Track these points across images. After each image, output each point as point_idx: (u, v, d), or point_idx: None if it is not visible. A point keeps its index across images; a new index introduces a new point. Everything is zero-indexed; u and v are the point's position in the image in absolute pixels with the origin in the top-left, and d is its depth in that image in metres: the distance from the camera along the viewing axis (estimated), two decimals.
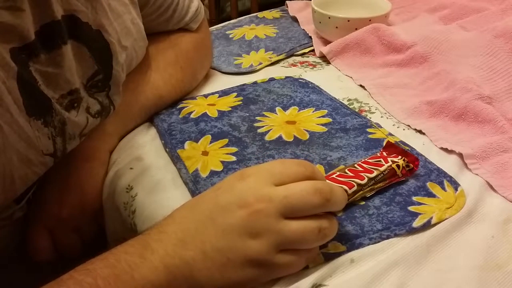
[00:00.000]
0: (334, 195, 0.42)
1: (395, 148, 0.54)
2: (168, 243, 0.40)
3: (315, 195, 0.41)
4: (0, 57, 0.42)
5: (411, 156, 0.53)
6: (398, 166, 0.51)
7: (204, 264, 0.40)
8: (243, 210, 0.40)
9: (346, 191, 0.46)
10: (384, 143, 0.57)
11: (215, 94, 0.73)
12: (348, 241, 0.46)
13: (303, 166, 0.43)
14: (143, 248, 0.40)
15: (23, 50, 0.45)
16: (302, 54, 0.87)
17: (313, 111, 0.67)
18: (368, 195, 0.50)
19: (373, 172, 0.50)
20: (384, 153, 0.54)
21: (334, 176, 0.48)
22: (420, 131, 0.63)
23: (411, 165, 0.53)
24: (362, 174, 0.49)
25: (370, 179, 0.49)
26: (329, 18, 0.85)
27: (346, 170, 0.50)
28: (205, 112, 0.67)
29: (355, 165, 0.51)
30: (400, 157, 0.53)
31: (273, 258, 0.40)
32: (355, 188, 0.47)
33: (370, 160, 0.52)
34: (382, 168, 0.50)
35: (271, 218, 0.40)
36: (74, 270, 0.39)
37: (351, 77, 0.77)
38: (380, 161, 0.52)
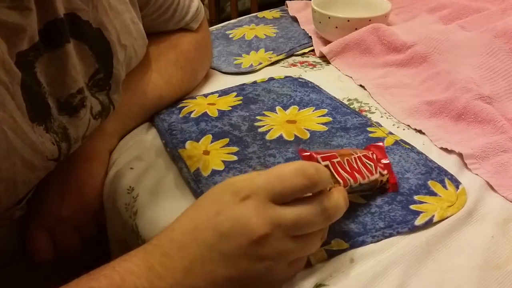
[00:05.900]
0: (337, 212, 0.42)
1: (383, 154, 0.54)
2: (176, 271, 0.39)
3: (322, 215, 0.40)
4: (6, 63, 0.42)
5: (392, 175, 0.53)
6: (381, 181, 0.52)
7: None
8: (249, 237, 0.38)
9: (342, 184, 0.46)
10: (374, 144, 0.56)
11: (215, 94, 0.73)
12: (351, 239, 0.46)
13: (301, 176, 0.40)
14: (149, 271, 0.39)
15: (30, 52, 0.45)
16: (302, 54, 0.87)
17: (313, 110, 0.67)
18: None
19: (366, 178, 0.49)
20: (374, 156, 0.53)
21: (335, 161, 0.46)
22: (420, 131, 0.63)
23: (388, 185, 0.52)
24: (356, 174, 0.48)
25: (360, 184, 0.48)
26: (329, 18, 0.85)
27: (345, 160, 0.48)
28: (205, 111, 0.67)
29: (355, 156, 0.49)
30: (386, 172, 0.52)
31: (286, 272, 0.42)
32: (347, 188, 0.46)
33: (365, 160, 0.51)
34: (372, 178, 0.50)
35: (279, 241, 0.39)
36: (77, 286, 0.37)
37: (351, 77, 0.77)
38: (371, 166, 0.51)
